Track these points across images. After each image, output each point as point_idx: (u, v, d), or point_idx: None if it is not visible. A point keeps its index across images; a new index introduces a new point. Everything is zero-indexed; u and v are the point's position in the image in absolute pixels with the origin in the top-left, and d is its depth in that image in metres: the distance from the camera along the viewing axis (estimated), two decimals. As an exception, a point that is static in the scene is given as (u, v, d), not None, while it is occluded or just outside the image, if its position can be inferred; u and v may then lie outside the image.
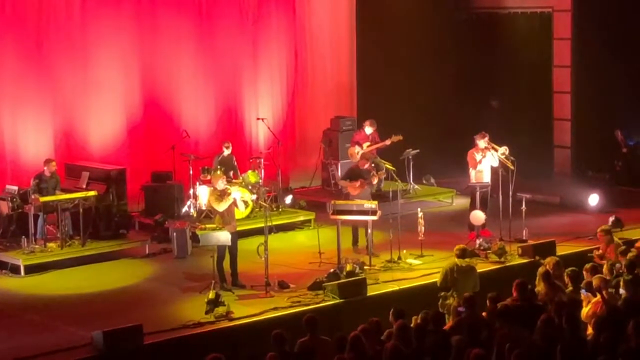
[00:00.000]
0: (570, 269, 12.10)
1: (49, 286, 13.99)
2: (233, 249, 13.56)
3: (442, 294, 12.47)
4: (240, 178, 17.03)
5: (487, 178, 15.92)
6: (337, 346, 9.69)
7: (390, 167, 15.57)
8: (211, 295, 12.47)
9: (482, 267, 13.96)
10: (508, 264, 14.47)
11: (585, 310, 11.13)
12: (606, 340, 9.35)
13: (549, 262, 12.54)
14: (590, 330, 10.41)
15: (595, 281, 11.44)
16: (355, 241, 15.27)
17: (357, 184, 15.04)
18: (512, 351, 9.12)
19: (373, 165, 15.91)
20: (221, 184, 13.70)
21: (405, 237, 14.94)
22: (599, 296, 11.19)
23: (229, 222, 13.57)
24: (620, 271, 12.30)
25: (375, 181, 15.20)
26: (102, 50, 17.57)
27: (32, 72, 16.86)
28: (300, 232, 17.03)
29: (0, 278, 14.40)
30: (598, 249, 13.98)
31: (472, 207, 15.93)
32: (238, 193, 14.10)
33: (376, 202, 14.58)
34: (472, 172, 15.98)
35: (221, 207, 13.52)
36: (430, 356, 9.47)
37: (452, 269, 12.56)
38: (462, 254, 12.72)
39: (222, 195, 13.60)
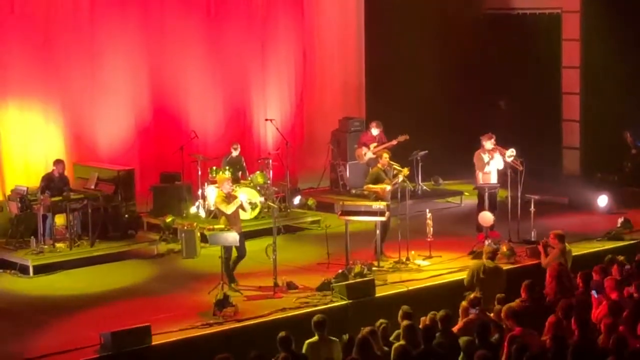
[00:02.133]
0: (583, 271, 12.06)
1: (58, 286, 14.00)
2: (241, 250, 13.57)
3: (467, 293, 12.38)
4: (249, 179, 17.04)
5: (494, 179, 15.89)
6: (345, 347, 9.69)
7: (398, 168, 15.51)
8: (220, 296, 12.48)
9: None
10: (517, 265, 14.44)
11: (596, 312, 11.11)
12: (616, 341, 9.33)
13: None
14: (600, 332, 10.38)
15: (606, 283, 11.42)
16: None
17: (388, 186, 14.92)
18: (520, 352, 9.10)
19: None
20: (227, 186, 13.73)
21: (414, 238, 14.91)
22: (612, 296, 11.18)
23: (235, 224, 13.58)
24: (630, 272, 12.28)
25: (400, 179, 15.02)
26: (111, 51, 17.58)
27: (41, 72, 16.88)
28: (309, 233, 17.02)
29: (9, 278, 14.43)
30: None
31: (481, 208, 15.89)
32: (244, 195, 14.10)
33: (385, 203, 14.55)
34: (479, 174, 15.95)
35: (229, 209, 13.53)
36: (438, 357, 9.46)
37: (479, 269, 12.55)
38: (493, 256, 12.76)
39: (228, 197, 13.62)
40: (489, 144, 15.80)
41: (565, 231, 13.97)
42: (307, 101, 20.25)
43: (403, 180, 14.96)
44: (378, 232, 14.64)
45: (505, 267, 14.32)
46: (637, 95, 20.11)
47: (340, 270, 13.70)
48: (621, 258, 12.76)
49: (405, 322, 10.17)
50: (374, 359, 9.46)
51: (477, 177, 16.00)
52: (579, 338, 9.65)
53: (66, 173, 15.71)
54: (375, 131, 18.50)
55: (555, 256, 13.24)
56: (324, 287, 13.24)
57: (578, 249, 15.15)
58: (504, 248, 14.83)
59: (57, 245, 14.92)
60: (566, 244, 13.58)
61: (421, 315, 10.84)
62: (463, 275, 13.76)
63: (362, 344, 9.44)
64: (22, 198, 15.12)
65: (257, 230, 15.99)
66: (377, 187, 14.93)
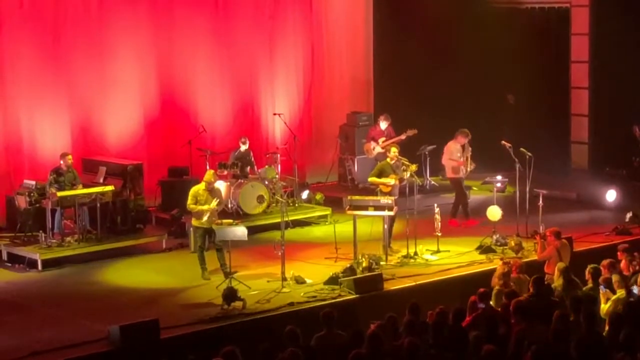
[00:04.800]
0: (591, 265, 12.03)
1: (66, 281, 14.05)
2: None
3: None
4: (257, 173, 17.05)
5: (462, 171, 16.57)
6: (353, 341, 9.70)
7: (407, 163, 15.51)
8: (228, 290, 12.49)
9: (498, 263, 13.92)
10: (525, 260, 14.42)
11: (604, 307, 11.10)
12: (625, 337, 9.32)
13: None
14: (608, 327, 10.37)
15: (614, 278, 11.41)
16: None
17: (392, 181, 14.88)
18: (527, 347, 9.11)
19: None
20: (213, 182, 14.08)
21: (422, 232, 14.91)
22: (618, 293, 11.16)
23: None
24: (637, 268, 12.25)
25: (407, 175, 14.99)
26: (119, 45, 17.60)
27: (50, 67, 16.90)
28: (317, 227, 17.04)
29: (18, 272, 14.46)
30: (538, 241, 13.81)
31: (457, 198, 16.69)
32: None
33: (393, 198, 14.54)
34: (450, 165, 16.57)
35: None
36: (447, 351, 9.46)
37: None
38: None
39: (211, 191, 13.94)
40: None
41: (574, 226, 13.95)
42: (315, 95, 20.24)
43: (411, 176, 14.94)
44: (386, 226, 14.64)
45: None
46: (646, 89, 20.05)
47: (348, 265, 13.71)
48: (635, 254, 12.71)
49: (405, 318, 10.18)
50: (383, 353, 9.46)
51: (448, 169, 16.82)
52: (585, 333, 9.64)
53: (74, 167, 15.71)
54: (383, 125, 18.47)
55: (550, 252, 13.22)
56: (332, 281, 13.26)
57: (586, 244, 15.15)
58: (511, 242, 14.83)
59: (66, 239, 14.95)
60: (563, 240, 13.55)
61: (429, 310, 10.84)
62: (471, 270, 13.83)
63: (371, 338, 9.44)
64: (31, 192, 15.15)
65: (265, 224, 16.00)
66: (380, 181, 14.91)
